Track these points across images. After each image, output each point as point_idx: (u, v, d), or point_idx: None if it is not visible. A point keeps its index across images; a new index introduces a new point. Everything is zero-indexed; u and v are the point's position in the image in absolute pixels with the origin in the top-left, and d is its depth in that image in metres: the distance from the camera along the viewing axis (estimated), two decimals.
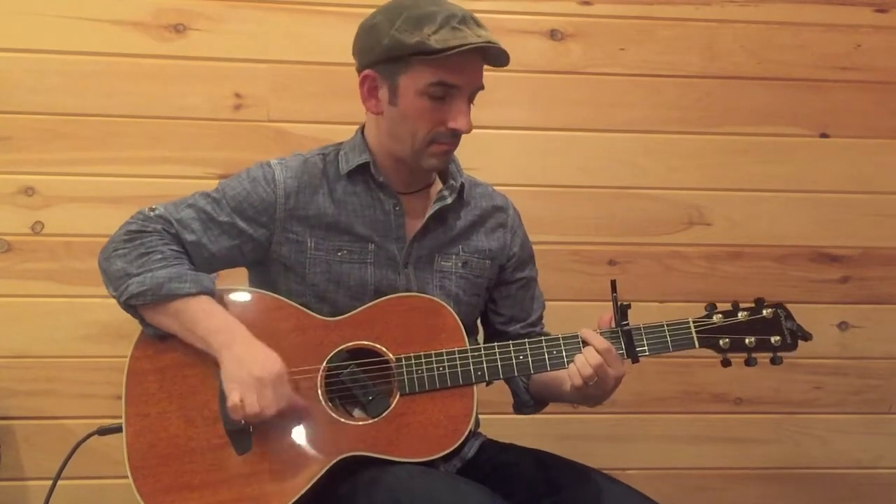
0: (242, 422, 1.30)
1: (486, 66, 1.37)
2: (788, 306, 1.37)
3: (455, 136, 1.37)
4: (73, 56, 1.96)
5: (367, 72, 1.38)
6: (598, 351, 1.30)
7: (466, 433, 1.30)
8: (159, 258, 1.35)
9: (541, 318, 1.60)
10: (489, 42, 1.31)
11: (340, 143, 1.49)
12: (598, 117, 2.10)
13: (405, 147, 1.38)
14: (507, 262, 1.54)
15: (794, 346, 1.34)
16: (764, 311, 1.35)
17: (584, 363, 1.30)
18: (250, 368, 1.28)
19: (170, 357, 1.37)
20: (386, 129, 1.40)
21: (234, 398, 1.27)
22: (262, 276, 1.47)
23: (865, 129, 2.15)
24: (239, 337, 1.32)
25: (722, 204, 2.13)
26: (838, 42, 2.13)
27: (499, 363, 1.34)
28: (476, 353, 1.34)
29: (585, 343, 1.32)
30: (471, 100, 1.38)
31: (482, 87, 1.38)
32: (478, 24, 1.34)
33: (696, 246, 2.14)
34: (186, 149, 2.00)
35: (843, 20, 2.13)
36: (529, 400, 1.54)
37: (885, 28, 2.14)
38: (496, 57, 1.34)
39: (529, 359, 1.34)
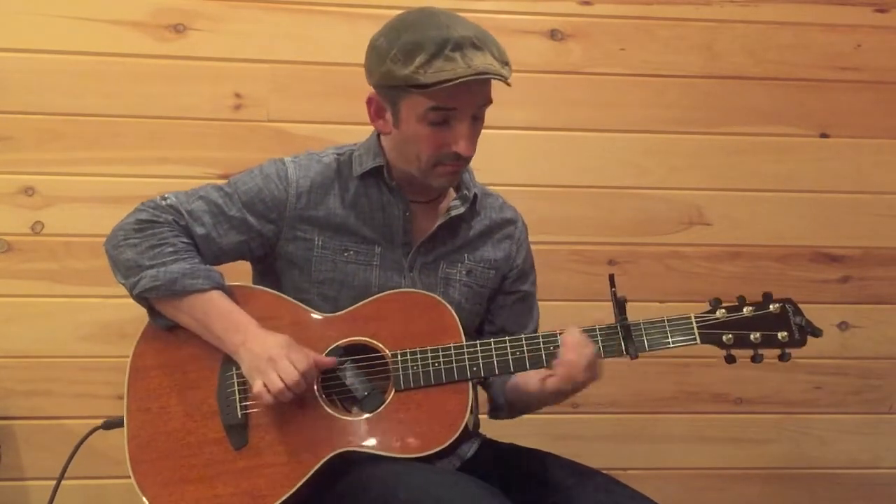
0: (240, 416, 1.32)
1: None
2: None
3: (459, 157, 1.35)
4: (73, 56, 1.96)
5: (371, 94, 1.39)
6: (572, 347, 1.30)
7: (461, 429, 1.30)
8: (171, 251, 1.36)
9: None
10: (480, 74, 1.26)
11: (355, 144, 1.50)
12: (598, 117, 2.09)
13: (412, 167, 1.39)
14: (509, 272, 1.53)
15: (802, 342, 1.30)
16: (771, 307, 1.30)
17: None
18: (261, 354, 1.29)
19: (171, 353, 1.38)
20: (394, 147, 1.41)
21: (257, 386, 1.28)
22: (266, 271, 1.47)
23: (865, 129, 2.15)
24: (251, 333, 1.33)
25: (722, 204, 2.13)
26: (838, 42, 2.13)
27: (494, 359, 1.33)
28: (472, 349, 1.34)
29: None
30: (477, 117, 1.36)
31: (489, 103, 1.35)
32: (476, 46, 1.27)
33: (696, 246, 2.14)
34: (186, 149, 1.99)
35: (843, 20, 2.13)
36: (503, 404, 1.53)
37: (885, 28, 2.14)
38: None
39: (526, 355, 1.34)
